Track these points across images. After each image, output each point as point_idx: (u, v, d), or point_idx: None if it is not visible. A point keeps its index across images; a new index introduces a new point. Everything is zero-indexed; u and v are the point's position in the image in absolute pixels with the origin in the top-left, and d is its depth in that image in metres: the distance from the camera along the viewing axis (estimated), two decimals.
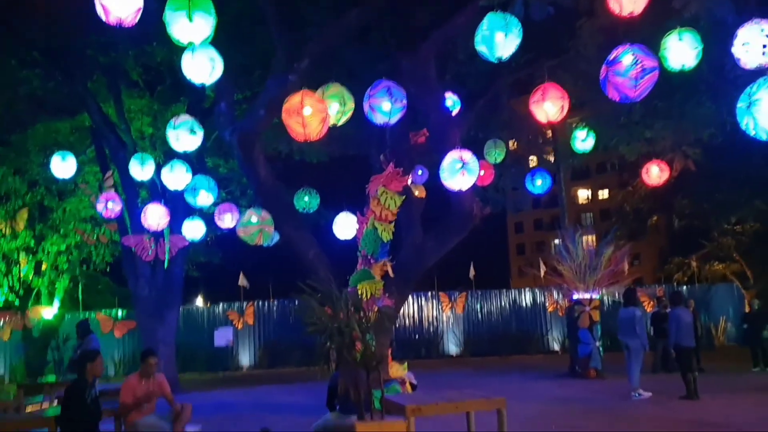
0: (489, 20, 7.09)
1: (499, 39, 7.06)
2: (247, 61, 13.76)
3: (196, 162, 13.85)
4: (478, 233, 12.11)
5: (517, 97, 14.48)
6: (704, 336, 19.63)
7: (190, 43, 6.80)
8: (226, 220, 11.74)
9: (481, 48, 7.25)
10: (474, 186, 9.55)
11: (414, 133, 11.50)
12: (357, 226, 10.92)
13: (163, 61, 15.66)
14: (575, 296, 15.68)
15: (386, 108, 8.43)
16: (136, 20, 6.31)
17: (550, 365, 18.14)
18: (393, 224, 10.59)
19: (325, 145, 14.37)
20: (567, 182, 23.63)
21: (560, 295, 22.34)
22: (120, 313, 21.70)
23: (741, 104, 6.13)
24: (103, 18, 6.26)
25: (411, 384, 11.87)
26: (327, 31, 10.65)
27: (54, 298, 20.84)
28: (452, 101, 11.68)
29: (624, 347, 11.81)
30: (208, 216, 13.94)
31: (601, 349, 15.40)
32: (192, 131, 9.29)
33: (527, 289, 24.46)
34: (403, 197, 10.53)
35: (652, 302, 20.45)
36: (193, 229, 13.06)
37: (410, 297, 20.74)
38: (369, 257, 10.45)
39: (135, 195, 16.35)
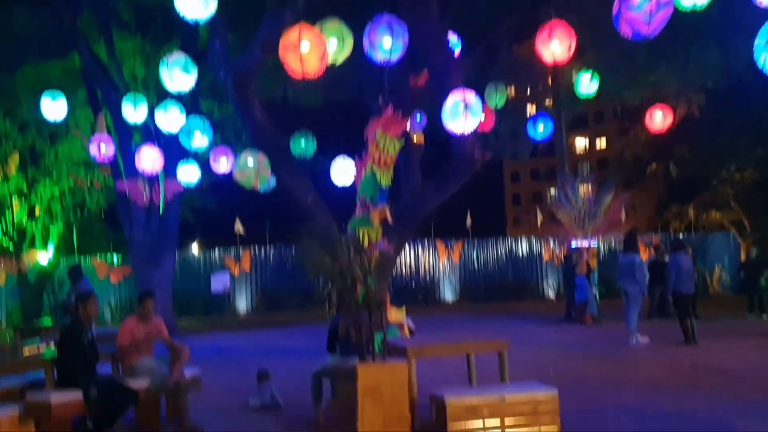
0: None
1: None
2: None
3: (190, 105, 13.54)
4: (475, 182, 11.94)
5: (519, 42, 14.10)
6: (700, 284, 19.70)
7: None
8: (222, 164, 11.52)
9: None
10: (476, 130, 9.34)
11: (414, 75, 11.20)
12: (355, 172, 10.73)
13: (155, 0, 15.17)
14: (573, 244, 15.64)
15: (387, 45, 8.13)
16: None
17: (546, 312, 18.22)
18: (392, 169, 10.41)
19: (322, 89, 14.06)
20: (565, 131, 23.38)
21: (557, 244, 22.35)
22: (116, 258, 21.63)
23: (759, 41, 5.91)
24: None
25: (409, 329, 11.87)
26: None
27: (48, 243, 20.72)
28: (454, 41, 11.33)
29: (622, 293, 11.80)
30: (203, 161, 13.70)
31: (597, 295, 15.44)
32: (185, 69, 9.01)
33: (524, 238, 24.44)
34: (402, 141, 10.31)
35: (648, 250, 20.46)
36: (188, 174, 12.85)
37: (407, 245, 20.69)
38: (368, 203, 10.29)
39: (128, 138, 16.05)
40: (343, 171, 11.30)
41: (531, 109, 23.18)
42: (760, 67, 5.96)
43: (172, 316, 16.17)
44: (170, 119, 10.71)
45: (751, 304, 15.21)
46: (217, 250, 22.82)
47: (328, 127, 17.00)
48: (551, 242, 22.62)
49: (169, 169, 14.35)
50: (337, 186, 11.53)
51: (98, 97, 16.40)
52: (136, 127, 14.71)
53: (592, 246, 15.47)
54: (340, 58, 8.56)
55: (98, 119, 15.90)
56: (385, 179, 10.25)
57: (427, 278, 23.45)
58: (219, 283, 18.60)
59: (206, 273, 21.38)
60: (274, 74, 11.46)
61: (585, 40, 12.31)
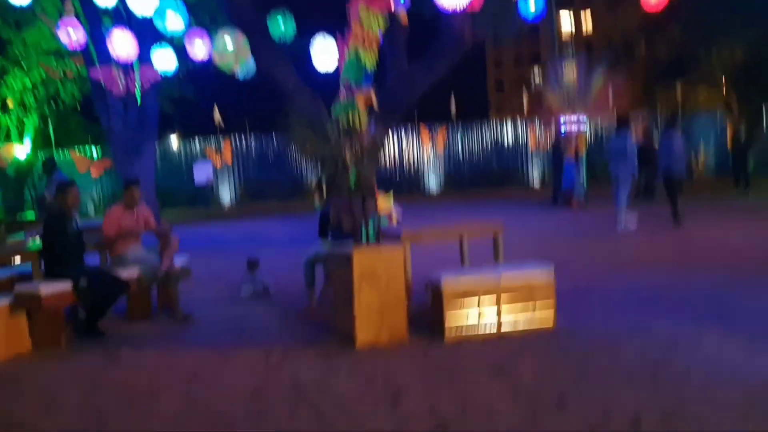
0: None
1: None
2: None
3: None
4: (458, 68, 11.53)
5: None
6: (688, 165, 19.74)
7: None
8: (197, 47, 10.95)
9: None
10: (466, 7, 8.85)
11: None
12: (337, 54, 10.25)
13: None
14: (563, 128, 15.42)
15: None
16: None
17: (532, 198, 18.28)
18: (376, 50, 9.96)
19: None
20: (555, 7, 22.51)
21: (543, 129, 22.12)
22: (95, 152, 21.16)
23: None
24: None
25: (397, 218, 11.84)
26: None
27: (24, 137, 20.15)
28: None
29: (613, 175, 11.73)
30: (179, 48, 13.06)
31: (585, 179, 15.41)
32: None
33: (509, 121, 24.05)
34: (387, 19, 9.80)
35: (635, 132, 20.30)
36: (164, 60, 12.26)
37: (390, 134, 20.32)
38: (352, 87, 9.90)
39: (98, 23, 15.21)
40: (324, 51, 10.78)
41: None
42: None
43: (156, 209, 15.98)
44: (142, 1, 10.05)
45: (737, 183, 15.29)
46: (197, 141, 22.39)
47: (306, 8, 16.18)
48: (537, 126, 22.34)
49: (144, 56, 13.70)
50: (319, 72, 11.06)
51: None
52: (106, 11, 13.91)
53: (581, 130, 15.25)
54: None
55: (65, 3, 14.97)
56: (369, 61, 9.80)
57: (412, 168, 23.26)
58: (202, 173, 18.32)
59: (188, 165, 21.08)
60: None
61: None
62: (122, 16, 14.36)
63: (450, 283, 5.48)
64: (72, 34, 11.69)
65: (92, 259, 6.88)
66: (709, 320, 5.56)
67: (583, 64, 16.59)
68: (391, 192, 11.31)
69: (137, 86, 15.00)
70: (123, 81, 14.62)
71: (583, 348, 5.01)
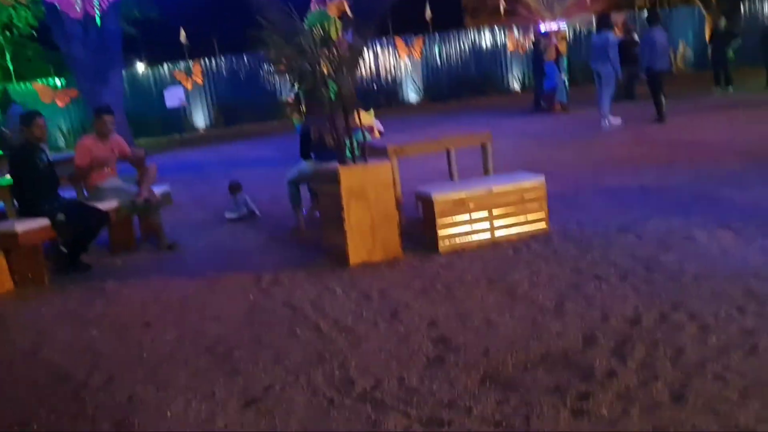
0: None
1: None
2: None
3: None
4: None
5: None
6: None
7: None
8: None
9: None
10: None
11: None
12: None
13: None
14: (542, 28, 14.99)
15: None
16: None
17: (513, 104, 18.01)
18: None
19: None
20: None
21: (521, 32, 21.58)
22: (58, 81, 20.35)
23: None
24: None
25: (379, 132, 11.58)
26: None
27: None
28: None
29: (595, 74, 11.52)
30: None
31: (566, 82, 15.14)
32: None
33: (486, 28, 23.47)
34: None
35: (616, 29, 19.87)
36: None
37: (365, 45, 19.69)
38: None
39: None
40: None
41: None
42: None
43: (129, 137, 15.57)
44: None
45: (717, 77, 15.10)
46: (165, 65, 21.63)
47: None
48: (516, 30, 21.79)
49: None
50: None
51: None
52: None
53: (561, 29, 14.84)
54: None
55: None
56: None
57: (389, 79, 22.76)
58: (174, 97, 17.74)
59: (158, 91, 20.40)
60: None
61: None
62: None
63: (441, 196, 5.35)
64: None
65: (68, 192, 6.65)
66: (697, 214, 5.53)
67: None
68: (372, 110, 11.02)
69: (95, 7, 14.24)
70: (79, 2, 13.87)
71: (577, 251, 4.95)
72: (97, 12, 14.37)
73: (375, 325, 3.99)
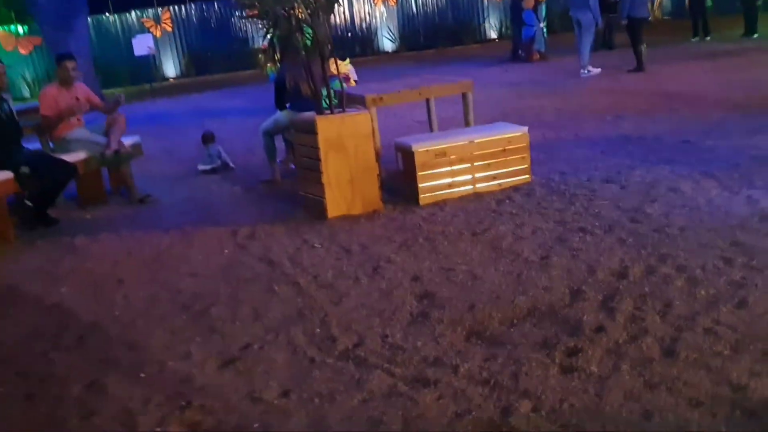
0: None
1: None
2: None
3: None
4: None
5: None
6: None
7: None
8: None
9: None
10: None
11: None
12: None
13: None
14: None
15: None
16: None
17: (490, 53, 17.71)
18: None
19: None
20: None
21: None
22: (21, 28, 19.54)
23: None
24: None
25: (354, 81, 11.29)
26: None
27: None
28: None
29: (575, 23, 11.31)
30: None
31: (545, 30, 14.89)
32: None
33: None
34: None
35: None
36: None
37: None
38: None
39: None
40: None
41: None
42: None
43: (97, 87, 15.04)
44: None
45: (695, 27, 14.94)
46: (132, 12, 20.88)
47: None
48: None
49: None
50: None
51: None
52: None
53: None
54: None
55: None
56: None
57: (364, 27, 22.23)
58: (143, 46, 17.12)
59: (126, 39, 19.71)
60: None
61: None
62: None
63: (422, 148, 5.20)
64: None
65: (32, 144, 6.38)
66: (681, 164, 5.47)
67: None
68: (348, 59, 10.71)
69: None
70: None
71: (561, 202, 4.87)
72: None
73: (356, 280, 3.89)
